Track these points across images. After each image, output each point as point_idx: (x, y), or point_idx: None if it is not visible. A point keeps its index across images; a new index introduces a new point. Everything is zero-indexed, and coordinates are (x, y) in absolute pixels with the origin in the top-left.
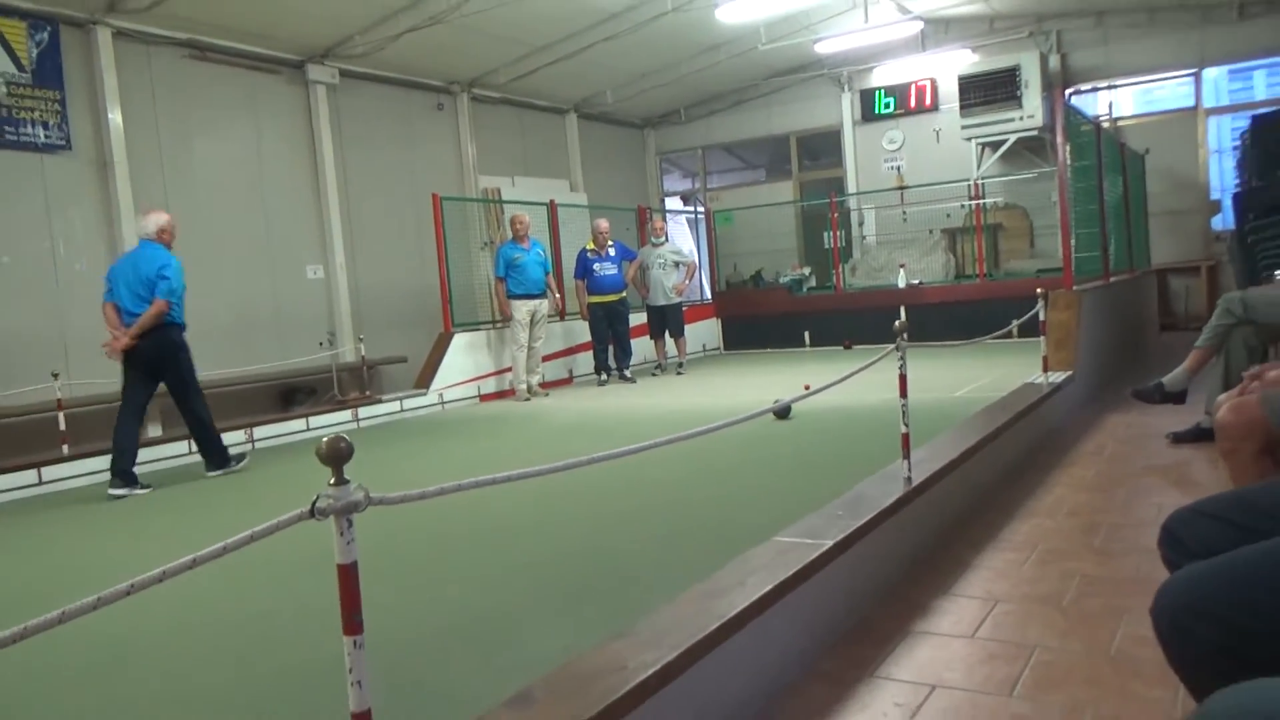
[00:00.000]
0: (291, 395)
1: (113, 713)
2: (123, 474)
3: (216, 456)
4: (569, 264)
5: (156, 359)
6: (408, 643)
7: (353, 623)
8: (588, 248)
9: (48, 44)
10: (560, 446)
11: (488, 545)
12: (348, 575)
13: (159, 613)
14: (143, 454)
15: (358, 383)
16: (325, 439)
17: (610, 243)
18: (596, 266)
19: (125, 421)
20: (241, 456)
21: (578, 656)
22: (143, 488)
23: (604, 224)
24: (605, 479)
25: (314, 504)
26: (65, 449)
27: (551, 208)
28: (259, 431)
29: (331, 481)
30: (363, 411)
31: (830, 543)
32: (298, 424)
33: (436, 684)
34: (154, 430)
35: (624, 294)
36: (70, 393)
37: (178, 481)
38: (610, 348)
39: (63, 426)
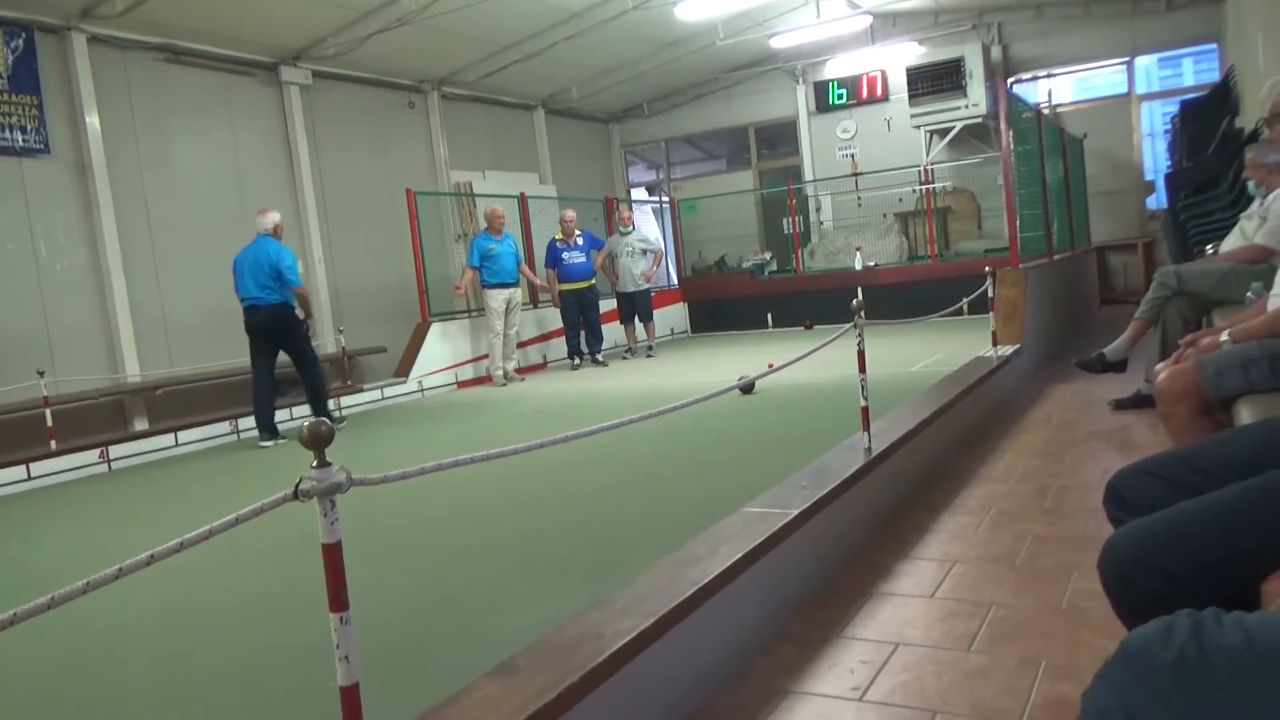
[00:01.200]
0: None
1: (104, 696)
2: (267, 428)
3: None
4: (540, 254)
5: (274, 333)
6: (394, 619)
7: (339, 599)
8: (556, 238)
9: (23, 50)
10: (537, 428)
11: (469, 524)
12: (333, 554)
13: (150, 597)
14: (136, 445)
15: (339, 372)
16: (307, 424)
17: (578, 232)
18: (565, 255)
19: (259, 385)
20: (342, 419)
21: (557, 627)
22: (281, 438)
23: (570, 214)
24: (581, 457)
25: (298, 486)
26: (53, 444)
27: (522, 200)
28: (244, 422)
29: (314, 464)
30: (345, 400)
31: (796, 512)
32: (281, 415)
33: (422, 657)
34: (140, 424)
35: (593, 281)
36: (56, 390)
37: (160, 471)
38: (582, 333)
39: (49, 422)
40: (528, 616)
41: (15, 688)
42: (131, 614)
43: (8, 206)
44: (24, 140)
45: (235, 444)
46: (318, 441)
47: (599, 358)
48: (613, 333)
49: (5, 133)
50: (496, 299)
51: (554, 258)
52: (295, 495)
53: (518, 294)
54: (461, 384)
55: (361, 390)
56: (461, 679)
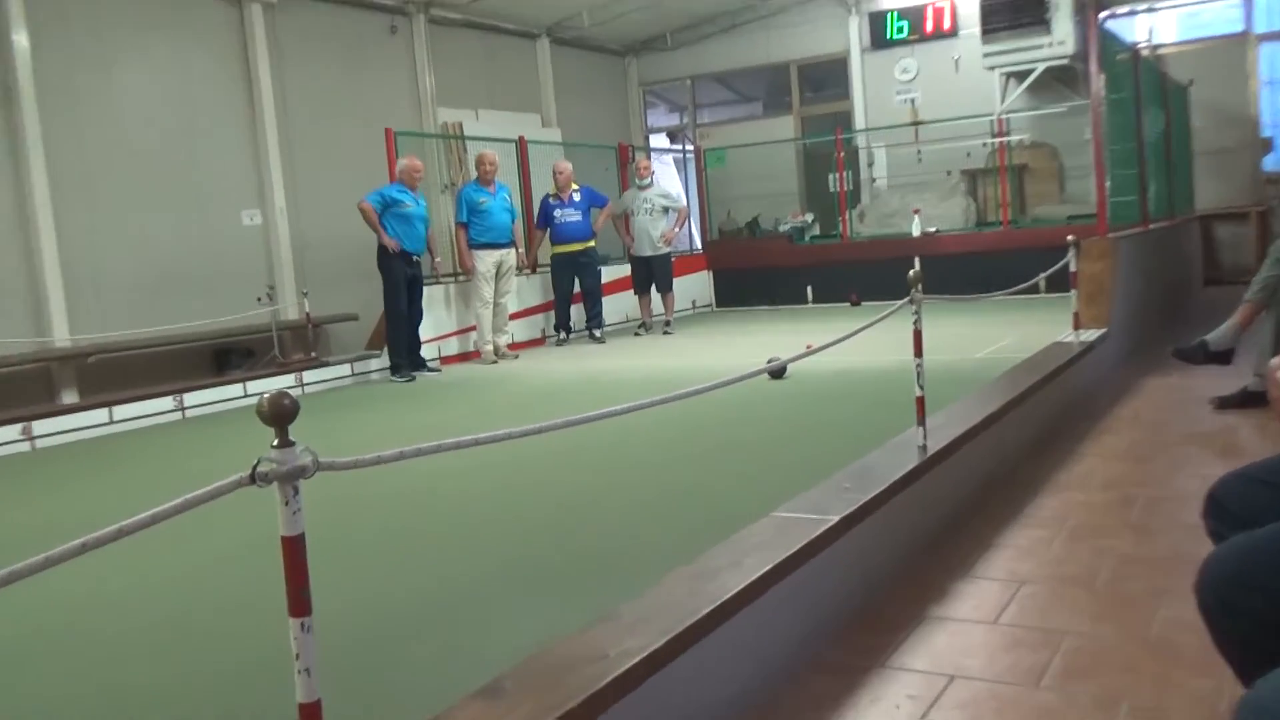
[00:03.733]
0: (226, 357)
1: (41, 692)
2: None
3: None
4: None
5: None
6: (363, 630)
7: (300, 602)
8: (549, 193)
9: None
10: (531, 413)
11: (451, 522)
12: (294, 549)
13: (68, 600)
14: (64, 421)
15: (302, 343)
16: (267, 395)
17: (575, 187)
18: (558, 213)
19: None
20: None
21: (553, 644)
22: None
23: (565, 166)
24: (583, 448)
25: (255, 468)
26: None
27: (520, 145)
28: (190, 398)
29: (275, 443)
30: (307, 376)
31: (836, 518)
32: (233, 389)
33: (395, 674)
34: (66, 396)
35: (591, 243)
36: None
37: (92, 451)
38: (574, 305)
39: None
40: (518, 631)
41: None
42: (45, 619)
43: None
44: None
45: (179, 422)
46: (279, 417)
47: (596, 334)
48: (622, 304)
49: None
50: (486, 261)
51: (545, 216)
52: (252, 479)
53: (511, 256)
54: (445, 360)
55: (327, 364)
56: (440, 701)
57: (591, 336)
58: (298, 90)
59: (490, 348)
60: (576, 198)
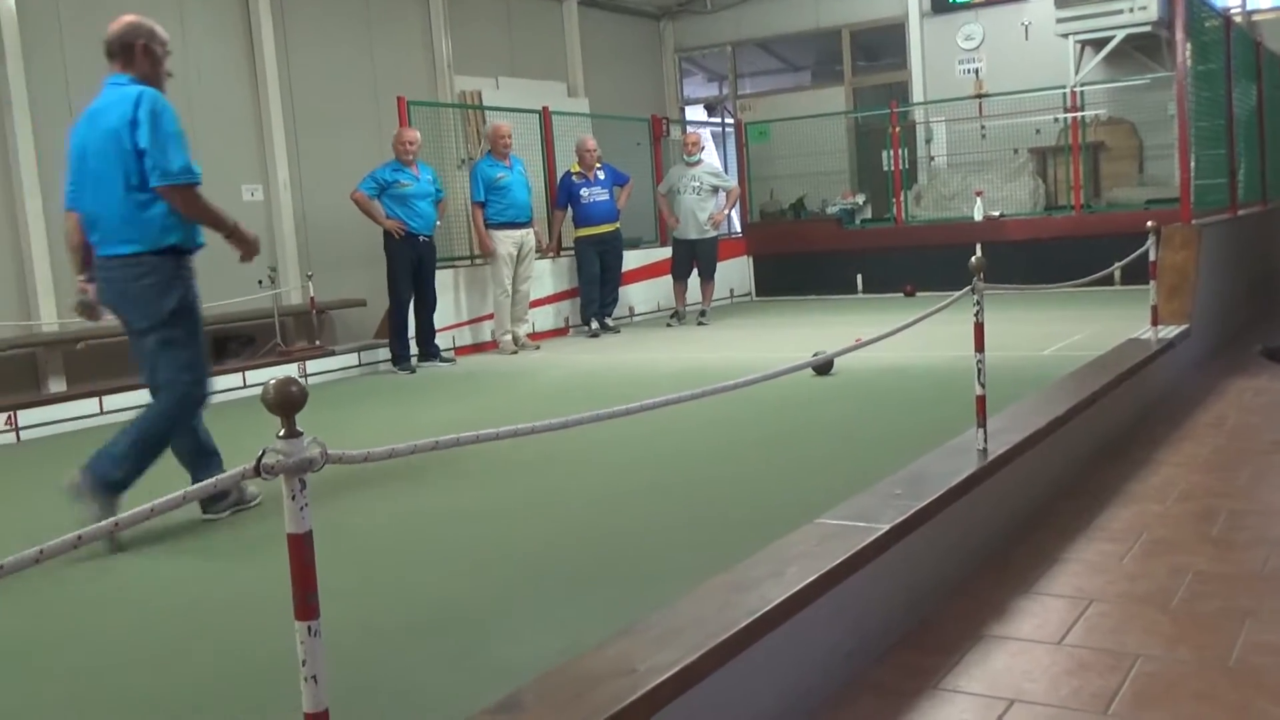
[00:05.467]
0: (224, 345)
1: (36, 692)
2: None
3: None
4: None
5: None
6: (372, 638)
7: (306, 605)
8: (572, 171)
9: None
10: (555, 409)
11: (468, 523)
12: (300, 547)
13: (69, 597)
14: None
15: (306, 331)
16: (272, 381)
17: (598, 165)
18: (585, 192)
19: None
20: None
21: (576, 657)
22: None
23: (590, 141)
24: (611, 447)
25: (259, 460)
26: None
27: (544, 116)
28: None
29: (281, 433)
30: (311, 366)
31: (886, 527)
32: (232, 379)
33: (406, 686)
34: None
35: (618, 225)
36: None
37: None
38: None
39: None
40: (539, 640)
41: None
42: (42, 621)
43: None
44: None
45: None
46: (286, 405)
47: (609, 322)
48: (654, 292)
49: None
50: (506, 243)
51: (568, 195)
52: (257, 470)
53: (532, 236)
54: (460, 350)
55: (333, 353)
56: (455, 714)
57: (604, 326)
58: (303, 56)
59: (509, 338)
60: (601, 175)
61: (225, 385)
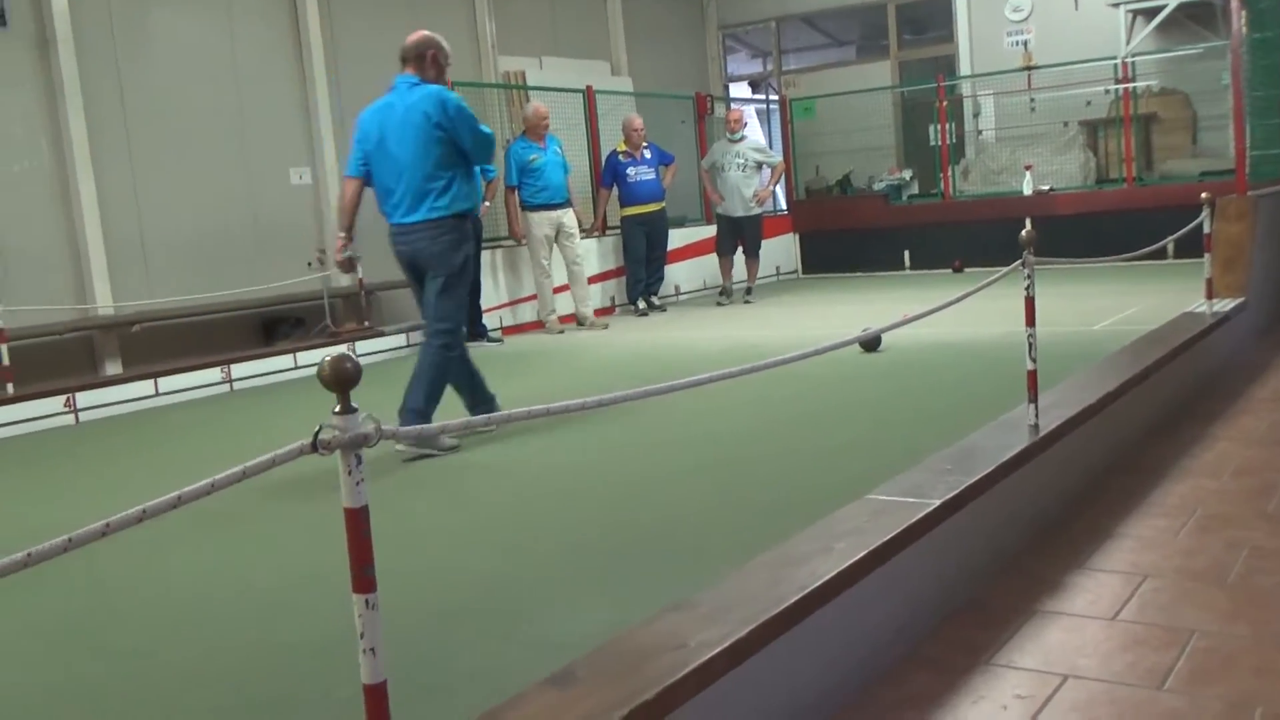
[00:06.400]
0: (274, 327)
1: (92, 669)
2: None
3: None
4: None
5: None
6: (424, 615)
7: (363, 578)
8: (618, 149)
9: None
10: (603, 387)
11: (519, 502)
12: (357, 521)
13: (126, 576)
14: (108, 393)
15: (355, 312)
16: (328, 358)
17: (645, 143)
18: (631, 171)
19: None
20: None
21: (627, 631)
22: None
23: (637, 120)
24: (659, 426)
25: (316, 436)
26: (10, 388)
27: (588, 95)
28: (237, 369)
29: (337, 409)
30: (361, 346)
31: (937, 502)
32: (283, 360)
33: (459, 661)
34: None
35: (664, 204)
36: (14, 321)
37: (138, 424)
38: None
39: (5, 361)
40: (590, 616)
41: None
42: (97, 598)
43: None
44: None
45: (227, 395)
46: (341, 381)
47: (655, 300)
48: (700, 270)
49: None
50: (542, 225)
51: (614, 174)
52: (313, 447)
53: (569, 216)
54: (507, 330)
55: (382, 334)
56: (509, 686)
57: (650, 305)
58: (348, 36)
59: (553, 318)
60: (648, 154)
61: (276, 367)
